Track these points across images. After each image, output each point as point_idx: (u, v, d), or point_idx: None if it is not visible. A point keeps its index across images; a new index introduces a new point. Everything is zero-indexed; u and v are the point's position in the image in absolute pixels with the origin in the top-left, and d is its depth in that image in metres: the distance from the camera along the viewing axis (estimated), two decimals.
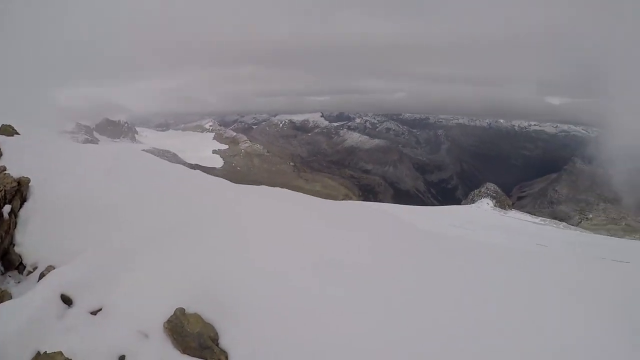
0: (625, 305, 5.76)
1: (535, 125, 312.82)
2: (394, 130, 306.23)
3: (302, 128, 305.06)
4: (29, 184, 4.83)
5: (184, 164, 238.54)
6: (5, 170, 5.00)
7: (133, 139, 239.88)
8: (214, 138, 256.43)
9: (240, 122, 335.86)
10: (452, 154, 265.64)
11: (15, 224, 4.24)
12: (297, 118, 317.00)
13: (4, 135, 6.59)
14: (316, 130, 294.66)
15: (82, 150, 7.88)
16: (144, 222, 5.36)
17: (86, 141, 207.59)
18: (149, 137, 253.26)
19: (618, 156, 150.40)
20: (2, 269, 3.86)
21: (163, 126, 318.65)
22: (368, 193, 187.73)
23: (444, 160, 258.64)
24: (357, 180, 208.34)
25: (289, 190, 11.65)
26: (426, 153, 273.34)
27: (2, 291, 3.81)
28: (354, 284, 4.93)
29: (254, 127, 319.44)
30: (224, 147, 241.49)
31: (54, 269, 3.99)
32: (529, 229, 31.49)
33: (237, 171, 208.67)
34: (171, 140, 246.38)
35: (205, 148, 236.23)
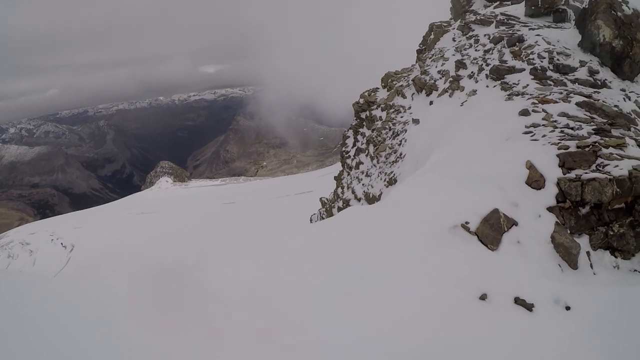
0: None
1: (194, 95, 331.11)
2: (53, 132, 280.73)
3: None
4: None
5: None
6: None
7: None
8: None
9: None
10: (119, 143, 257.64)
11: None
12: None
13: None
14: None
15: None
16: None
17: None
18: None
19: (275, 107, 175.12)
20: None
21: None
22: (44, 209, 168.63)
23: (112, 151, 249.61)
24: (28, 198, 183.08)
25: None
26: (92, 148, 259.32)
27: None
28: None
29: None
30: None
31: None
32: (214, 193, 30.40)
33: None
34: None
35: None
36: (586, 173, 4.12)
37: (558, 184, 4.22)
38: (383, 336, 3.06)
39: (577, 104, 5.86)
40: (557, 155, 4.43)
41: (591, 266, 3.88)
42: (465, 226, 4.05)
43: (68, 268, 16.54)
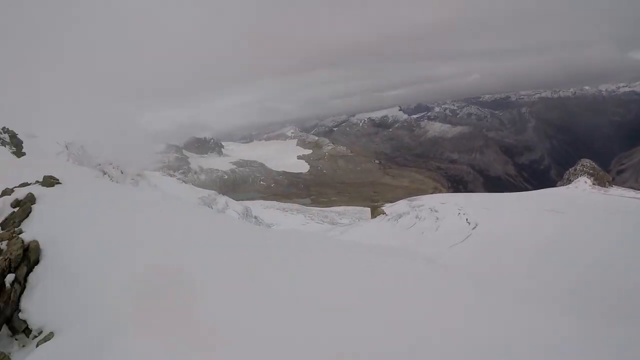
0: None
1: (624, 86, 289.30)
2: (475, 114, 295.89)
3: (382, 124, 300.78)
4: (40, 248, 4.78)
5: (271, 172, 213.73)
6: (20, 233, 4.96)
7: (220, 153, 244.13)
8: (297, 144, 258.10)
9: (320, 125, 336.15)
10: (540, 132, 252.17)
11: (22, 290, 4.28)
12: (376, 115, 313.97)
13: (44, 187, 6.52)
14: (396, 125, 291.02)
15: (118, 202, 6.91)
16: None
17: (177, 159, 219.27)
18: (235, 150, 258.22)
19: None
20: (9, 332, 4.00)
21: (247, 138, 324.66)
22: (457, 184, 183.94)
23: (532, 139, 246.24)
24: (445, 172, 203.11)
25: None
26: (512, 134, 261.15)
27: (3, 356, 3.95)
28: None
29: (335, 129, 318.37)
30: (308, 152, 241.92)
31: (53, 335, 3.99)
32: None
33: (323, 174, 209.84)
34: (256, 151, 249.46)
35: (289, 155, 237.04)
36: None
37: None
38: None
39: None
40: None
41: None
42: None
43: (465, 244, 15.22)
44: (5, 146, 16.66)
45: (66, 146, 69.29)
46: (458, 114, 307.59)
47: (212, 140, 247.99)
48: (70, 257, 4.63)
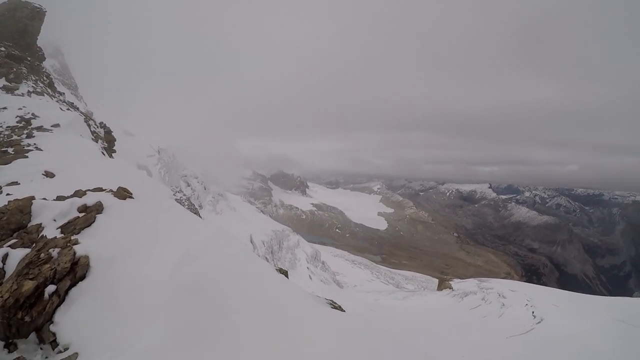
0: None
1: None
2: (564, 206, 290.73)
3: (469, 198, 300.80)
4: (89, 265, 4.57)
5: (350, 222, 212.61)
6: (75, 243, 4.71)
7: (304, 193, 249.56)
8: (381, 200, 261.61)
9: (407, 187, 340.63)
10: (627, 237, 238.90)
11: (60, 303, 4.17)
12: (465, 188, 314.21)
13: (115, 198, 6.29)
14: (483, 202, 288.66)
15: (183, 233, 6.23)
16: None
17: (261, 189, 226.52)
18: (319, 193, 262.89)
19: None
20: (37, 340, 3.99)
21: (333, 184, 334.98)
22: (531, 274, 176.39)
23: (617, 243, 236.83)
24: (522, 259, 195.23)
25: None
26: (598, 234, 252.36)
27: None
28: None
29: (421, 193, 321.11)
30: (390, 210, 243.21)
31: (77, 357, 3.78)
32: None
33: (399, 235, 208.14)
34: (339, 198, 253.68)
35: (371, 209, 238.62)
36: None
37: None
38: None
39: None
40: None
41: None
42: None
43: (525, 337, 15.14)
44: (98, 141, 16.44)
45: (158, 151, 71.89)
46: (547, 202, 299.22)
47: (299, 178, 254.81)
48: (116, 280, 4.47)
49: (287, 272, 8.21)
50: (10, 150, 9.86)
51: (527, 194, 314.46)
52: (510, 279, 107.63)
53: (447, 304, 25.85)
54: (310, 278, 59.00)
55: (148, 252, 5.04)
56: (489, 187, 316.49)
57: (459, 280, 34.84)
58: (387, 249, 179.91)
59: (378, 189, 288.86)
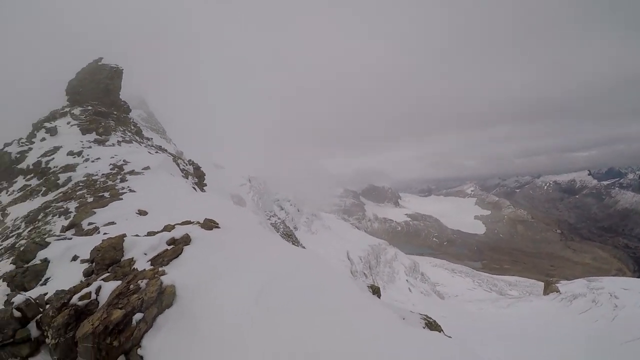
0: None
1: None
2: None
3: (568, 190, 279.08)
4: (176, 294, 4.76)
5: (446, 229, 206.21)
6: (163, 274, 4.95)
7: (396, 204, 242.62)
8: (476, 203, 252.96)
9: (502, 185, 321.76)
10: None
11: (147, 329, 4.38)
12: (562, 178, 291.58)
13: (202, 229, 6.45)
14: (584, 192, 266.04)
15: (271, 261, 6.02)
16: None
17: (353, 205, 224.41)
18: (411, 202, 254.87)
19: None
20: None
21: (425, 192, 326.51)
22: None
23: None
24: (633, 252, 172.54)
25: None
26: None
27: None
28: None
29: (517, 190, 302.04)
30: (486, 212, 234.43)
31: None
32: None
33: (499, 238, 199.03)
34: (432, 206, 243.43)
35: (466, 214, 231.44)
36: None
37: None
38: None
39: None
40: None
41: None
42: None
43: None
44: (188, 178, 17.15)
45: (249, 179, 75.93)
46: None
47: (389, 190, 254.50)
48: (201, 308, 4.55)
49: (379, 288, 8.00)
50: (106, 194, 10.85)
51: (630, 175, 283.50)
52: (622, 275, 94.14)
53: (554, 310, 24.94)
54: (410, 290, 57.23)
55: (232, 279, 5.11)
56: (589, 174, 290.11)
57: (566, 281, 33.31)
58: (487, 254, 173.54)
59: (472, 191, 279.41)
